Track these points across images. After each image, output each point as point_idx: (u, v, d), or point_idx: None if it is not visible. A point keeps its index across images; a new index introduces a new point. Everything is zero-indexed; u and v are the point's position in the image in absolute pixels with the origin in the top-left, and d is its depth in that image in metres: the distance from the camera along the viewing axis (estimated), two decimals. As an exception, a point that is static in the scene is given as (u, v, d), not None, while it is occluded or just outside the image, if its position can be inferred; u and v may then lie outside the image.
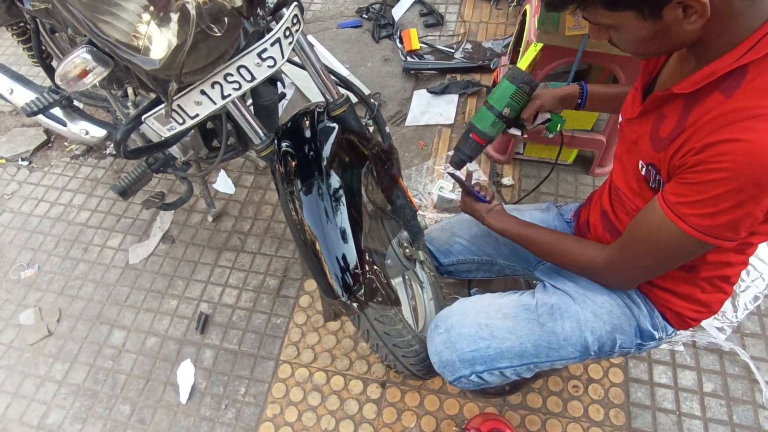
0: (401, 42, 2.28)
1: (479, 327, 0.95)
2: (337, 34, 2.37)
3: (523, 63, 1.51)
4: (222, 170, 1.92)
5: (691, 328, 1.01)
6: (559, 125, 1.05)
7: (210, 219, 1.79)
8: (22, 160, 2.09)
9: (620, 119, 0.89)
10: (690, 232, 0.68)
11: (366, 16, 2.42)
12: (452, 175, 1.12)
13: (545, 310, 0.94)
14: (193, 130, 1.28)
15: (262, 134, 0.97)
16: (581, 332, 0.91)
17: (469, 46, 2.22)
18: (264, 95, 1.25)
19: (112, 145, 2.07)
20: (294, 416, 1.38)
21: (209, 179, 1.90)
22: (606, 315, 0.91)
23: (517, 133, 1.03)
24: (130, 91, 1.27)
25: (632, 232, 0.79)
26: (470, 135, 1.03)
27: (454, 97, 2.04)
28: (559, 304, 0.94)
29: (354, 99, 1.06)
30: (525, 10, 1.62)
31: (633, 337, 0.92)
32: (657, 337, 0.92)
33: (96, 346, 1.57)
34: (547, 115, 1.04)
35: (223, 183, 1.88)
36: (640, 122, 0.79)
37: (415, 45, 2.25)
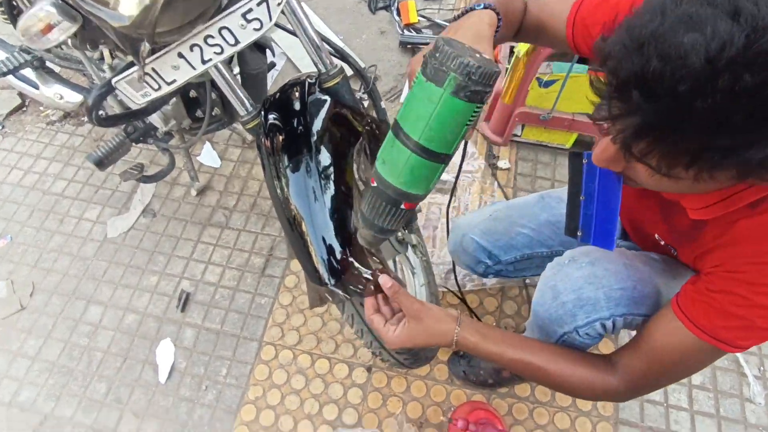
0: (398, 14, 2.18)
1: (625, 266, 0.82)
2: (331, 3, 2.26)
3: (524, 45, 1.45)
4: (207, 142, 1.83)
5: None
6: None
7: (194, 193, 1.71)
8: (-5, 124, 1.98)
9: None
10: (729, 350, 0.64)
11: (362, -15, 2.30)
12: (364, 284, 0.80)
13: (649, 259, 0.85)
14: (174, 99, 1.20)
15: (248, 105, 0.90)
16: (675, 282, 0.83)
17: (469, 21, 2.13)
18: (252, 63, 1.17)
19: (90, 112, 1.97)
20: (277, 399, 1.34)
21: (193, 151, 1.82)
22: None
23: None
24: (105, 52, 1.18)
25: (659, 355, 0.70)
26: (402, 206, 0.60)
27: (452, 75, 1.96)
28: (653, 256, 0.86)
29: (348, 71, 0.99)
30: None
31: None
32: None
33: (71, 322, 1.51)
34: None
35: (208, 156, 1.79)
36: (644, 194, 0.72)
37: (413, 18, 2.15)
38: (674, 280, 0.84)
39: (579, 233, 0.69)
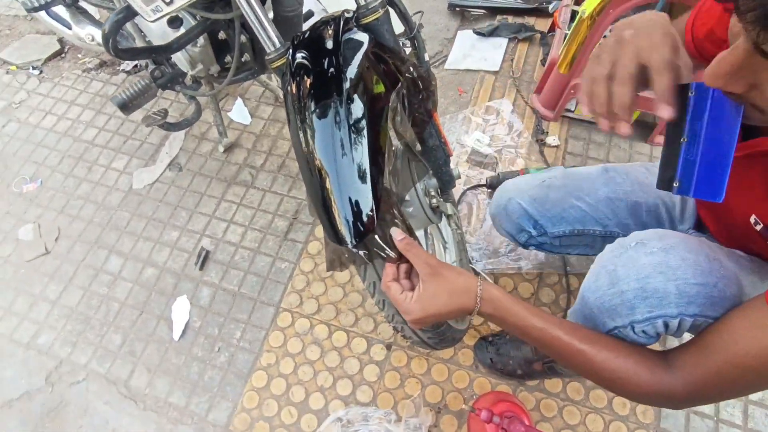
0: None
1: (707, 258, 0.68)
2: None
3: (591, 3, 1.28)
4: (239, 98, 1.76)
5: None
6: None
7: (221, 149, 1.65)
8: (33, 68, 1.97)
9: None
10: None
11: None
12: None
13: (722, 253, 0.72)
14: (202, 40, 1.12)
15: (276, 41, 0.80)
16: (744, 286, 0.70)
17: (526, -16, 1.95)
18: (286, 4, 1.07)
19: (124, 64, 1.93)
20: (290, 368, 1.28)
21: (224, 107, 1.75)
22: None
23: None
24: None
25: (738, 359, 0.58)
26: None
27: (503, 41, 1.81)
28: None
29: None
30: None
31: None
32: None
33: (92, 271, 1.49)
34: None
35: (238, 112, 1.72)
36: (747, 164, 0.58)
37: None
38: (762, 283, 0.70)
39: (675, 184, 0.54)
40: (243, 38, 1.11)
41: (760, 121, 0.47)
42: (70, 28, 1.48)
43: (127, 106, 1.23)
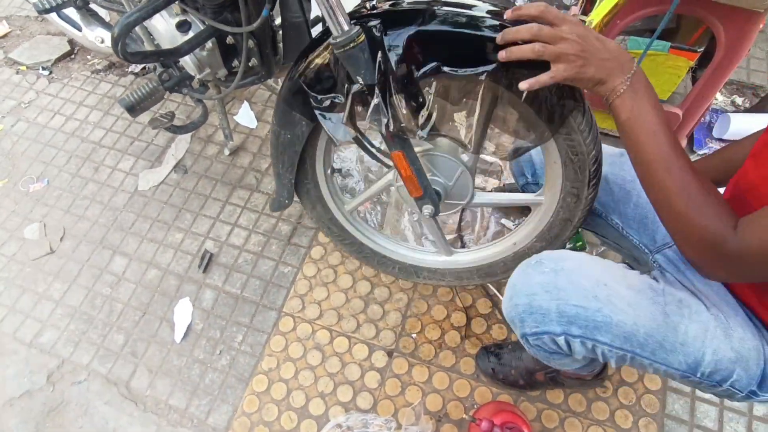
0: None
1: (597, 284, 0.73)
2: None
3: (599, 13, 1.28)
4: (245, 102, 1.77)
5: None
6: None
7: (227, 152, 1.66)
8: (43, 69, 1.99)
9: None
10: None
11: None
12: None
13: (673, 300, 0.74)
14: (210, 44, 1.12)
15: (345, 25, 0.73)
16: (703, 344, 0.71)
17: (534, -7, 1.95)
18: (293, 9, 1.07)
19: (132, 66, 1.94)
20: (290, 373, 1.28)
21: (230, 110, 1.76)
22: (737, 341, 0.71)
23: None
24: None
25: None
26: None
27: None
28: (689, 301, 0.75)
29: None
30: (612, -53, 1.35)
31: (752, 380, 0.72)
32: None
33: (96, 271, 1.49)
34: None
35: (245, 116, 1.73)
36: None
37: (473, -13, 2.00)
38: (664, 317, 0.72)
39: None
40: (251, 43, 1.11)
41: None
42: (80, 30, 1.49)
43: (134, 109, 1.24)
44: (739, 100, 1.67)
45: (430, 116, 0.83)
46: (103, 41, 1.48)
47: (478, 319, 1.32)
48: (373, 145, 0.99)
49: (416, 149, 0.93)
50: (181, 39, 1.13)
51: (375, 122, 0.80)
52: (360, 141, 0.92)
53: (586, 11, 1.58)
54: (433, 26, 0.76)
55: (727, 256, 0.62)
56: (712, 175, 0.87)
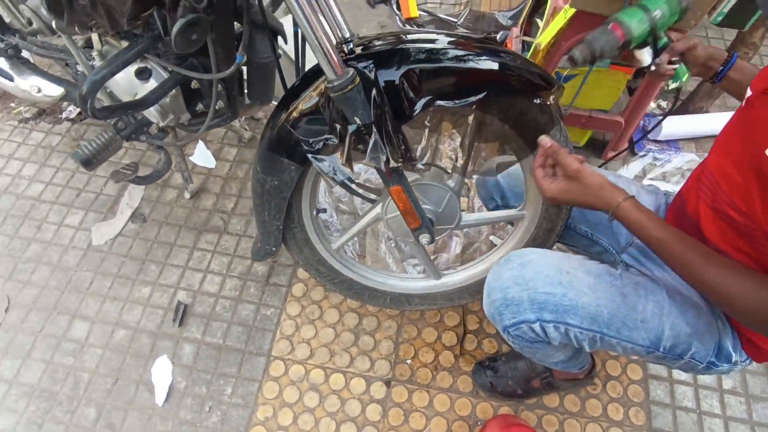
0: (398, 8, 2.10)
1: (559, 271, 0.82)
2: (328, -4, 2.15)
3: (546, 37, 1.38)
4: (200, 141, 1.70)
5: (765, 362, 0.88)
6: (685, 76, 0.90)
7: (187, 196, 1.58)
8: (-41, 122, 1.79)
9: (746, 96, 0.75)
10: None
11: (360, -22, 2.21)
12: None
13: (629, 284, 0.83)
14: (173, 90, 1.08)
15: (339, 68, 0.73)
16: (661, 321, 0.80)
17: (472, 16, 2.06)
18: (262, 51, 1.06)
19: (69, 107, 1.81)
20: (289, 419, 1.23)
21: (186, 151, 1.68)
22: (692, 317, 0.80)
23: (647, 58, 0.85)
24: (94, 38, 1.05)
25: None
26: (610, 26, 0.82)
27: (458, 70, 1.88)
28: (645, 284, 0.83)
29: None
30: (547, -25, 1.47)
31: (709, 352, 0.81)
32: (733, 360, 0.82)
33: (53, 340, 1.36)
34: (680, 63, 0.88)
35: (201, 156, 1.67)
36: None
37: (414, 13, 2.07)
38: (623, 297, 0.81)
39: None
40: (218, 87, 1.08)
41: None
42: (11, 80, 1.37)
43: (90, 162, 1.16)
44: (663, 104, 1.85)
45: (425, 148, 0.85)
46: (39, 90, 1.38)
47: (468, 336, 1.35)
48: (357, 184, 0.99)
49: (407, 181, 0.95)
50: (140, 87, 1.07)
51: (374, 159, 0.81)
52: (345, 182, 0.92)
53: (526, 33, 1.70)
54: (422, 63, 0.79)
55: None
56: None
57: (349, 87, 0.73)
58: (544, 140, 0.79)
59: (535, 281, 0.81)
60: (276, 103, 0.91)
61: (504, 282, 0.84)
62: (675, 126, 1.68)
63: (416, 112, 0.80)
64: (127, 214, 1.56)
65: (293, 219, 1.03)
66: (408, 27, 2.02)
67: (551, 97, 0.84)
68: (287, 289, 1.42)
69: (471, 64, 0.80)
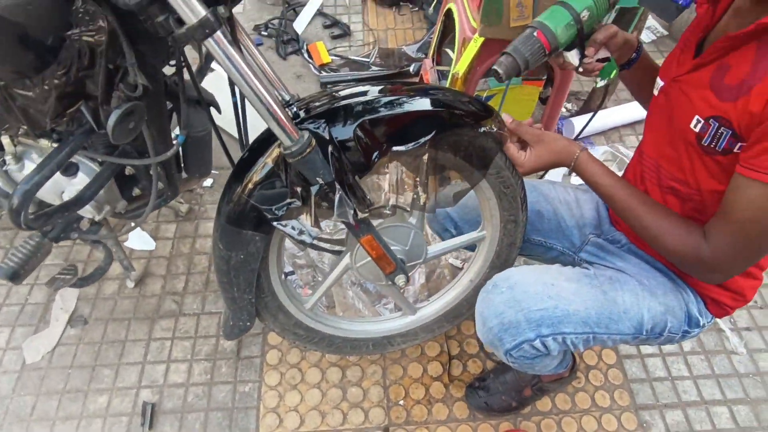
0: (310, 56, 2.14)
1: (545, 285, 0.87)
2: (238, 54, 2.14)
3: (462, 65, 1.48)
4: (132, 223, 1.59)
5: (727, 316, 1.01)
6: (614, 72, 0.91)
7: (131, 285, 1.46)
8: None
9: (657, 86, 0.85)
10: None
11: (266, 33, 2.23)
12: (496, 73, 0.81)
13: (605, 280, 0.90)
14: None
15: (294, 133, 0.73)
16: (639, 307, 0.87)
17: (382, 53, 2.15)
18: (196, 124, 1.03)
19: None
20: (293, 498, 1.15)
21: (120, 237, 1.56)
22: (661, 295, 0.89)
23: (575, 60, 0.83)
24: (5, 140, 0.96)
25: (737, 213, 0.70)
26: (535, 33, 0.77)
27: (382, 106, 1.95)
28: (617, 276, 0.91)
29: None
30: (449, 9, 1.59)
31: (682, 322, 0.90)
32: (701, 323, 0.91)
33: (0, 485, 1.17)
34: (608, 54, 0.88)
35: (138, 239, 1.56)
36: (694, 77, 0.75)
37: (326, 58, 2.13)
38: (604, 294, 0.88)
39: (680, 1, 0.67)
40: (158, 168, 1.03)
41: (738, 26, 0.65)
42: None
43: (18, 275, 1.03)
44: (569, 106, 2.04)
45: (388, 193, 0.87)
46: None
47: (453, 361, 1.36)
48: (320, 238, 0.98)
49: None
50: (68, 184, 0.99)
51: (342, 215, 0.81)
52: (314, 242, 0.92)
53: (438, 63, 1.81)
54: (371, 114, 0.81)
55: (709, 264, 0.75)
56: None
57: (307, 150, 0.74)
58: (506, 117, 0.87)
59: (527, 301, 0.85)
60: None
61: (497, 308, 0.87)
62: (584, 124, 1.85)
63: (374, 161, 0.81)
64: (63, 320, 1.40)
65: (263, 289, 0.99)
66: (324, 73, 2.06)
67: (493, 124, 0.90)
68: (261, 359, 1.35)
69: (415, 107, 0.83)
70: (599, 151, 1.87)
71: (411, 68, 2.06)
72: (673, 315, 0.90)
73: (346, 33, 2.24)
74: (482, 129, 0.89)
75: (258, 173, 0.82)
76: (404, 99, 0.84)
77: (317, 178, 0.77)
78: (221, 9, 0.64)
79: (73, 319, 1.41)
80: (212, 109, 1.09)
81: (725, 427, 1.28)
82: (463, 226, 1.15)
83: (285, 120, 0.72)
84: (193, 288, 1.48)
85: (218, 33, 0.62)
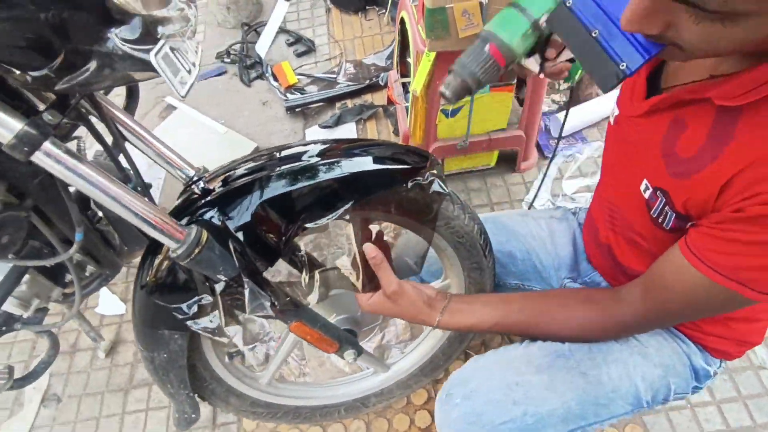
0: (276, 79, 2.03)
1: (509, 388, 0.72)
2: (201, 88, 2.06)
3: (418, 83, 1.34)
4: (103, 288, 1.53)
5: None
6: (578, 73, 0.80)
7: (102, 355, 1.41)
8: None
9: (613, 113, 0.71)
10: (738, 289, 0.53)
11: (228, 60, 2.13)
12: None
13: (584, 355, 0.74)
14: (27, 277, 0.93)
15: (179, 234, 0.63)
16: (630, 379, 0.72)
17: (350, 66, 2.03)
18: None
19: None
20: None
21: (88, 305, 1.51)
22: (655, 354, 0.74)
23: (534, 68, 0.69)
24: None
25: (670, 295, 0.61)
26: (486, 48, 0.64)
27: (352, 126, 1.83)
28: (597, 347, 0.75)
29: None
30: (402, 18, 1.44)
31: (688, 379, 0.75)
32: (711, 373, 0.77)
33: None
34: (570, 55, 0.74)
35: (108, 304, 1.50)
36: (647, 123, 0.62)
37: (292, 79, 2.01)
38: (583, 377, 0.74)
39: (622, 66, 0.52)
40: (77, 256, 0.95)
41: (683, 57, 0.48)
42: None
43: (-43, 380, 0.98)
44: (556, 98, 1.86)
45: (312, 276, 0.76)
46: None
47: (442, 409, 1.25)
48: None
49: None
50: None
51: (258, 308, 0.71)
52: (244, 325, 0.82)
53: (403, 74, 1.67)
54: (273, 191, 0.70)
55: (631, 326, 0.68)
56: None
57: (196, 251, 0.63)
58: (369, 249, 0.72)
59: (488, 413, 0.71)
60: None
61: (456, 425, 0.73)
62: (573, 118, 1.68)
63: (285, 244, 0.70)
64: (36, 401, 1.36)
65: (204, 378, 0.90)
66: (290, 95, 1.95)
67: (430, 172, 0.78)
68: (238, 424, 1.27)
69: (332, 174, 0.71)
70: (593, 147, 1.70)
71: (380, 80, 1.92)
72: (675, 375, 0.75)
73: (311, 49, 2.11)
74: (417, 180, 0.77)
75: (157, 270, 0.72)
76: (326, 163, 0.72)
77: (218, 276, 0.67)
78: (47, 116, 0.54)
79: (46, 398, 1.37)
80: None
81: (757, 461, 1.13)
82: (427, 278, 1.03)
83: (161, 222, 0.62)
84: (165, 352, 1.41)
85: (47, 144, 0.52)
